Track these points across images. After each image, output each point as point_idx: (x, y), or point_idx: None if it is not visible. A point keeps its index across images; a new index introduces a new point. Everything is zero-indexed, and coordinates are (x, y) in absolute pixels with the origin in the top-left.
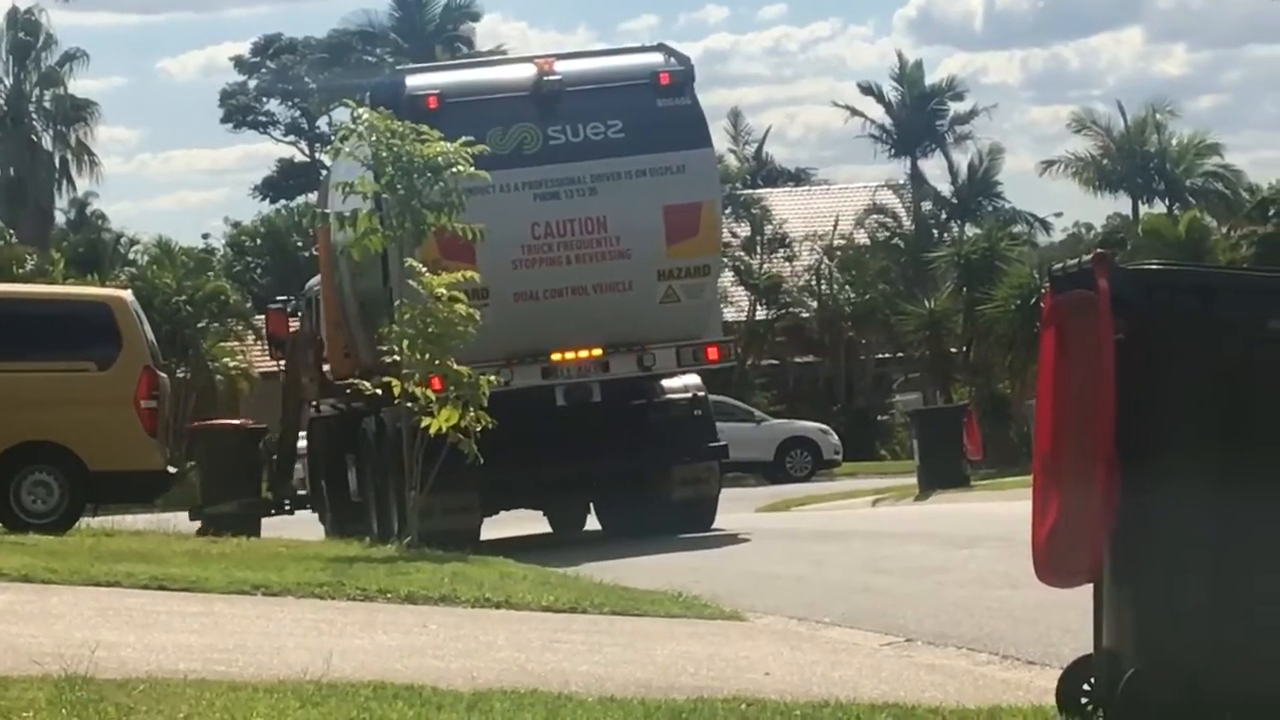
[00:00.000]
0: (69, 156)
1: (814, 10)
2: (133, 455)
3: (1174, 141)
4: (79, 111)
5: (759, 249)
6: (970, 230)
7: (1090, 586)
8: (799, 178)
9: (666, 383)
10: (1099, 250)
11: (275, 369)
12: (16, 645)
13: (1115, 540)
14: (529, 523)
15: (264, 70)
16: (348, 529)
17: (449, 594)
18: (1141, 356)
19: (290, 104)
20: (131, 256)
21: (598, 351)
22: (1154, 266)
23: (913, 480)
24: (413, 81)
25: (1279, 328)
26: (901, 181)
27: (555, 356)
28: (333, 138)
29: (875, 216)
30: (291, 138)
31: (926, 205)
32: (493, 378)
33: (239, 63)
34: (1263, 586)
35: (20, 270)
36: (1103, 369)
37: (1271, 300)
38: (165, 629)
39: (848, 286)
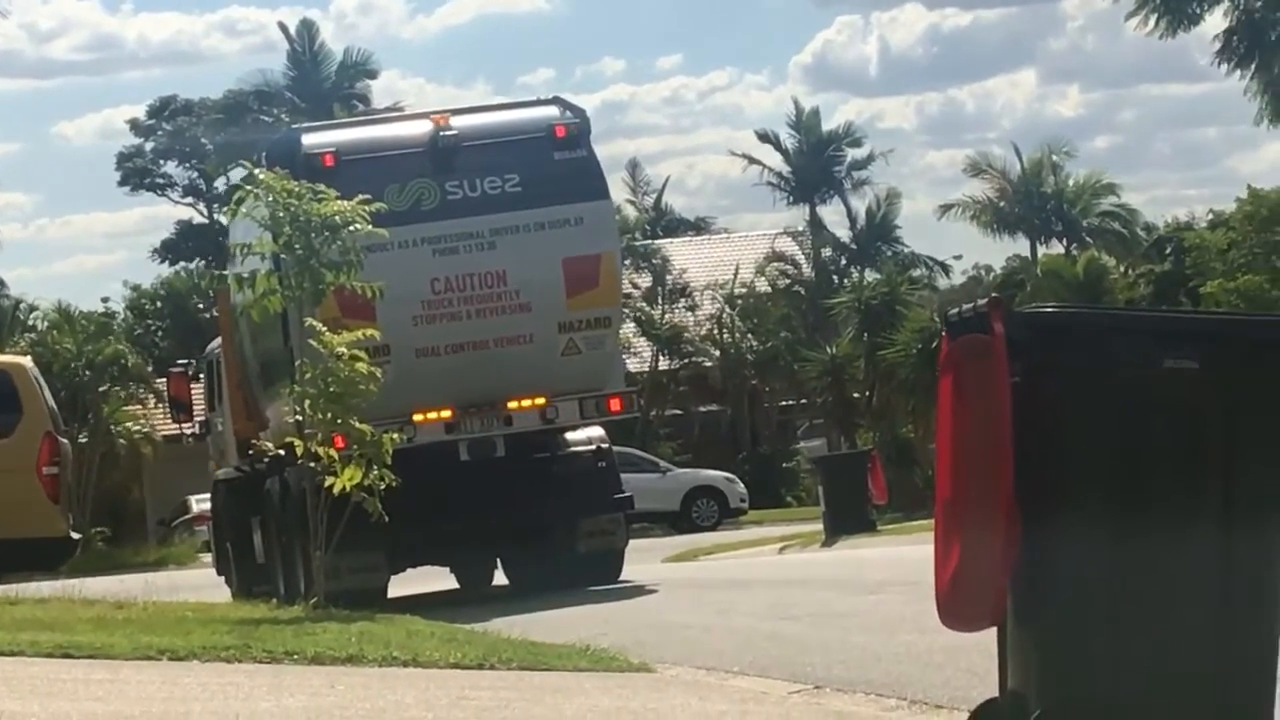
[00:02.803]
0: None
1: (710, 60)
2: (35, 522)
3: (1070, 182)
4: None
5: (660, 299)
6: (870, 275)
7: (995, 630)
8: (699, 227)
9: (570, 435)
10: (993, 294)
11: (178, 432)
12: None
13: (1017, 583)
14: (436, 580)
15: (160, 132)
16: (254, 591)
17: (356, 654)
18: (1038, 399)
19: (187, 165)
20: (31, 322)
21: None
22: (1048, 309)
23: (819, 526)
24: (308, 140)
25: (1175, 367)
26: (800, 228)
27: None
28: (230, 199)
29: (775, 264)
30: (190, 199)
31: (826, 251)
32: (396, 435)
33: (135, 125)
34: (1161, 627)
35: None
36: (1000, 413)
37: (1166, 340)
38: (70, 697)
39: (750, 334)
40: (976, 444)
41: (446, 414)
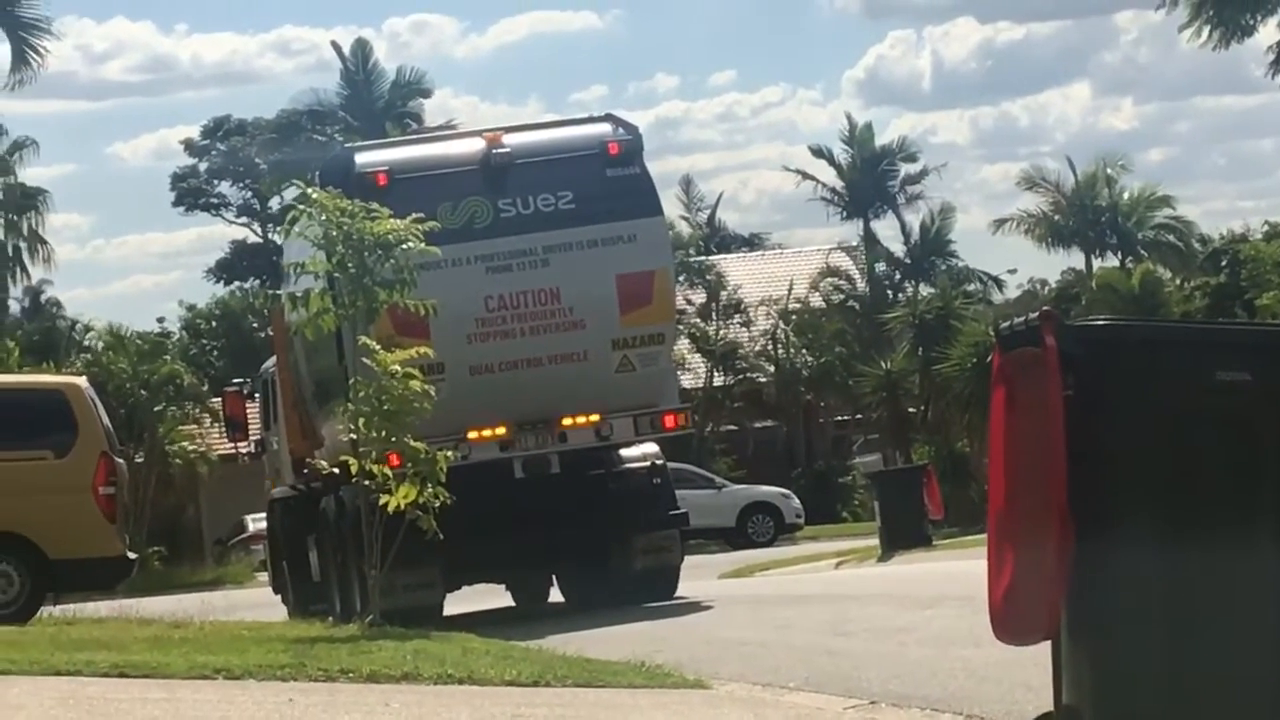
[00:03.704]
0: (22, 245)
1: (764, 76)
2: (92, 542)
3: (1125, 195)
4: (30, 200)
5: (714, 315)
6: (924, 290)
7: (1050, 643)
8: (752, 243)
9: (625, 452)
10: (1045, 308)
11: (233, 451)
12: None
13: (1070, 597)
14: (492, 597)
15: (214, 152)
16: (311, 609)
17: (411, 672)
18: (1091, 412)
19: (241, 185)
20: (87, 343)
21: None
22: (1100, 322)
23: (875, 541)
24: (361, 159)
25: (1227, 379)
26: (854, 243)
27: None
28: (284, 218)
29: (829, 279)
30: (244, 219)
31: (880, 266)
32: (450, 453)
33: (189, 145)
34: (1217, 641)
35: None
36: (1053, 426)
37: (1218, 352)
38: (127, 716)
39: (804, 350)
40: (1029, 458)
41: (501, 431)
